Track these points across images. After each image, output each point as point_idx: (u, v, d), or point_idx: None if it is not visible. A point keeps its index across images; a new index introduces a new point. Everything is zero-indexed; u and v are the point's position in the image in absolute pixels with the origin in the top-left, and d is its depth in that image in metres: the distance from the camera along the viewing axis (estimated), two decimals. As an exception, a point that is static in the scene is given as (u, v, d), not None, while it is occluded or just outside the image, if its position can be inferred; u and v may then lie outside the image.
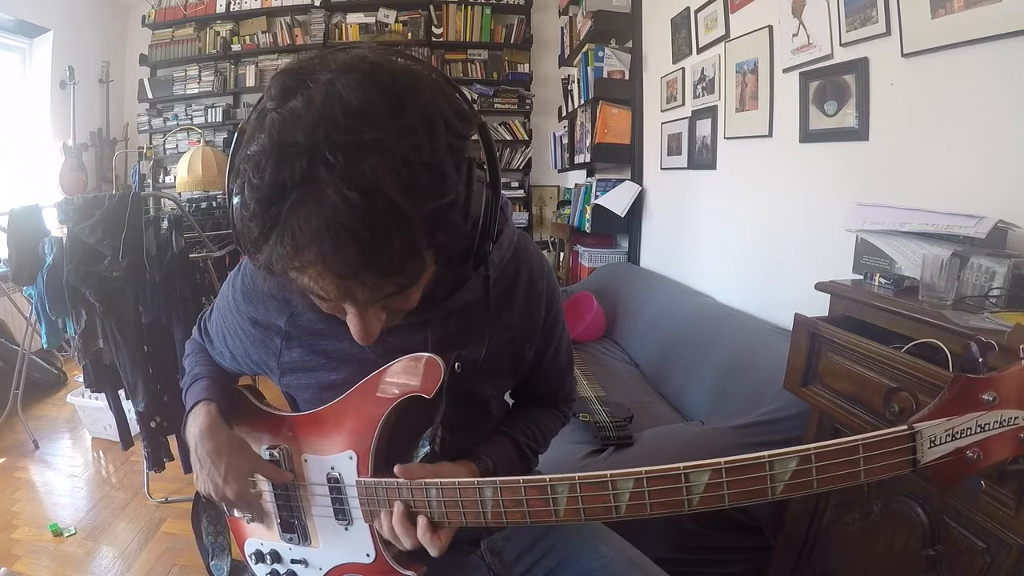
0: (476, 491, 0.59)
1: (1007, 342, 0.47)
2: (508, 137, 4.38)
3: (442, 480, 0.60)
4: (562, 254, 3.65)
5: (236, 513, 0.79)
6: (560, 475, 0.55)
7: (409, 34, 4.22)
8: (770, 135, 1.77)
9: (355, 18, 4.24)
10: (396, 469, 0.61)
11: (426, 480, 0.61)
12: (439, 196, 0.45)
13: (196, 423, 0.72)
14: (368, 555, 0.69)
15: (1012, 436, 0.45)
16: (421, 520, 0.61)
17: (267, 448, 0.72)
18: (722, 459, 0.48)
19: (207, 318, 0.84)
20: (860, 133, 1.38)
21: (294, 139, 0.42)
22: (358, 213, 0.42)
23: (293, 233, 0.43)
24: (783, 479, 0.47)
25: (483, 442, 0.76)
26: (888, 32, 1.26)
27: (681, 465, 0.50)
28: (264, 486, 0.74)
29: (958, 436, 0.45)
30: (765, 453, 0.47)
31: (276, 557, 0.77)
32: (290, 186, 0.42)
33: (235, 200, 0.47)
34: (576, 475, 0.54)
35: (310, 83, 0.44)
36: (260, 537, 0.78)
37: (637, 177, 2.88)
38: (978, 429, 0.45)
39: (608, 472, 0.53)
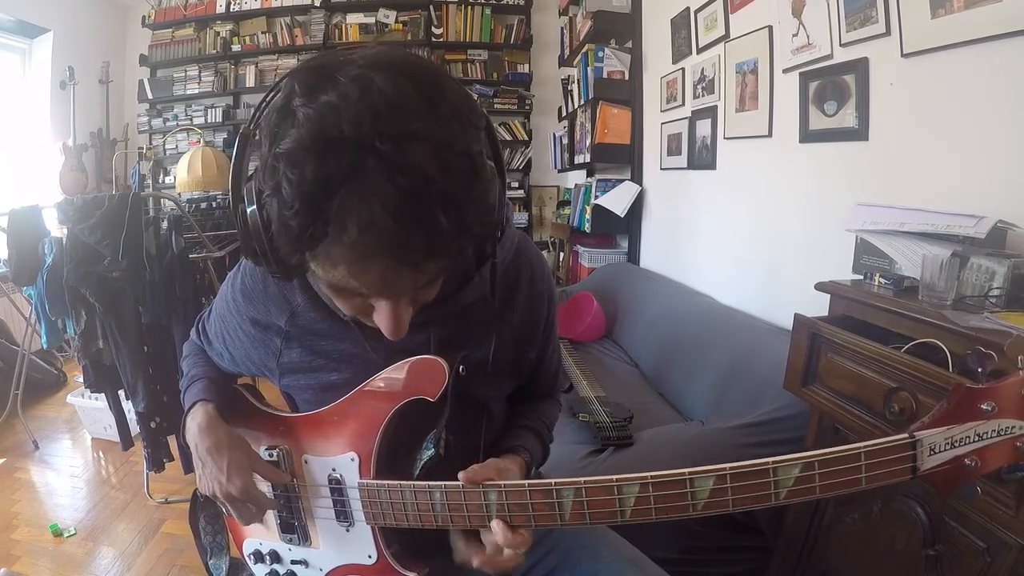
0: (481, 495, 0.59)
1: (1007, 352, 0.48)
2: (508, 137, 4.38)
3: (446, 484, 0.60)
4: (562, 254, 3.65)
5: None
6: (565, 479, 0.55)
7: (409, 34, 4.22)
8: (770, 135, 1.77)
9: (355, 18, 4.24)
10: (462, 476, 0.60)
11: (429, 483, 0.61)
12: (476, 182, 0.46)
13: (194, 423, 0.72)
14: (370, 556, 0.69)
15: (1009, 444, 0.46)
16: (498, 524, 0.59)
17: (266, 448, 0.72)
18: (727, 465, 0.49)
19: (205, 319, 0.83)
20: (860, 133, 1.38)
21: (339, 131, 0.41)
22: (414, 201, 0.42)
23: (349, 226, 0.42)
24: (786, 485, 0.48)
25: (513, 435, 0.77)
26: (888, 32, 1.27)
27: (686, 471, 0.50)
28: (264, 486, 0.74)
29: (957, 444, 0.46)
30: (769, 460, 0.48)
31: (276, 557, 0.77)
32: (337, 180, 0.42)
33: (267, 202, 0.45)
34: (582, 479, 0.54)
35: (340, 77, 0.44)
36: (259, 537, 0.78)
37: (637, 177, 2.88)
38: (976, 438, 0.46)
39: (614, 477, 0.53)
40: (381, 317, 0.53)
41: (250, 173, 0.50)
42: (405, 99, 0.43)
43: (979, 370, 0.47)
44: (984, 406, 0.45)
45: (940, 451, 0.46)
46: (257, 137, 0.49)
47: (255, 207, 0.47)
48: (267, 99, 0.49)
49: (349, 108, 0.42)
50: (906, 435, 0.47)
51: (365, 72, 0.44)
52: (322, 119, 0.42)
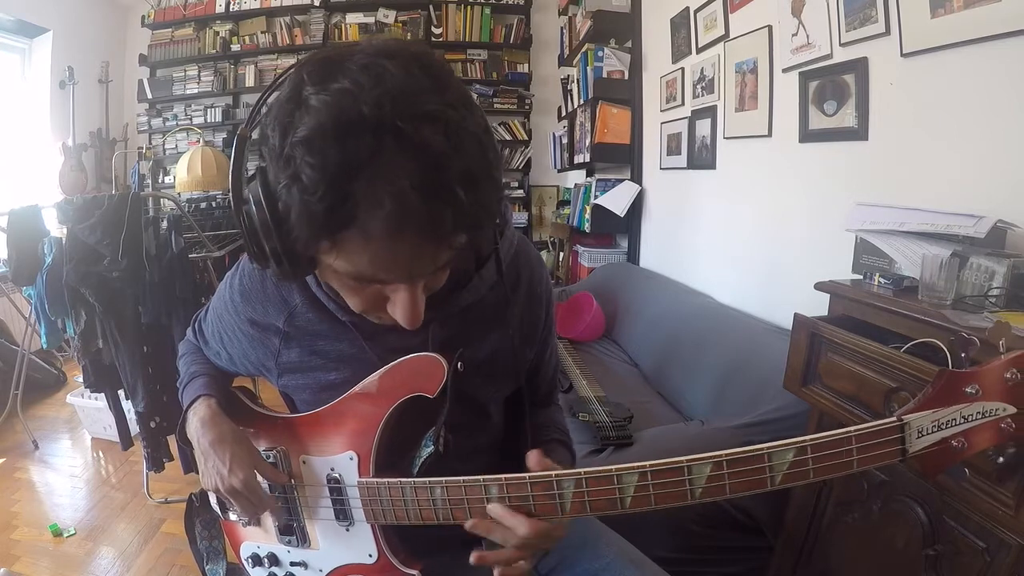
0: (482, 488, 0.58)
1: (988, 337, 0.49)
2: (508, 137, 4.38)
3: (447, 479, 0.60)
4: (562, 254, 3.65)
5: (233, 517, 0.78)
6: (565, 471, 0.56)
7: (409, 34, 4.22)
8: (770, 135, 1.77)
9: (354, 18, 4.24)
10: (532, 460, 0.59)
11: (429, 480, 0.61)
12: (485, 162, 0.48)
13: (197, 417, 0.71)
14: (370, 555, 0.69)
15: (993, 426, 0.48)
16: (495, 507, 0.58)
17: (264, 450, 0.72)
18: (723, 452, 0.50)
19: (202, 319, 0.83)
20: (860, 133, 1.38)
21: (358, 114, 0.42)
22: (436, 178, 0.44)
23: (384, 202, 0.43)
24: (781, 470, 0.49)
25: (549, 451, 0.75)
26: (888, 32, 1.27)
27: (684, 459, 0.51)
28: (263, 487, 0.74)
29: (944, 427, 0.48)
30: (764, 445, 0.50)
31: (274, 560, 0.76)
32: (360, 161, 0.42)
33: (283, 193, 0.45)
34: (581, 470, 0.55)
35: (349, 66, 0.45)
36: (257, 540, 0.77)
37: (637, 177, 2.88)
38: (962, 420, 0.48)
39: (613, 466, 0.53)
40: (399, 305, 0.53)
41: (251, 173, 0.49)
42: (417, 84, 0.45)
43: (963, 355, 0.49)
44: (968, 389, 0.47)
45: (927, 434, 0.48)
46: (258, 135, 0.48)
47: (263, 203, 0.47)
48: (265, 97, 0.49)
49: (365, 92, 0.43)
50: (894, 418, 0.48)
51: (375, 60, 0.45)
52: (340, 104, 0.43)
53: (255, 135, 0.50)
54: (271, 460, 0.71)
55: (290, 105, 0.45)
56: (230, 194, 0.52)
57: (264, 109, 0.49)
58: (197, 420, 0.71)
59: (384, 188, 0.43)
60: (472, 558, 0.61)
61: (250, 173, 0.50)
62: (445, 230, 0.46)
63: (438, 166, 0.44)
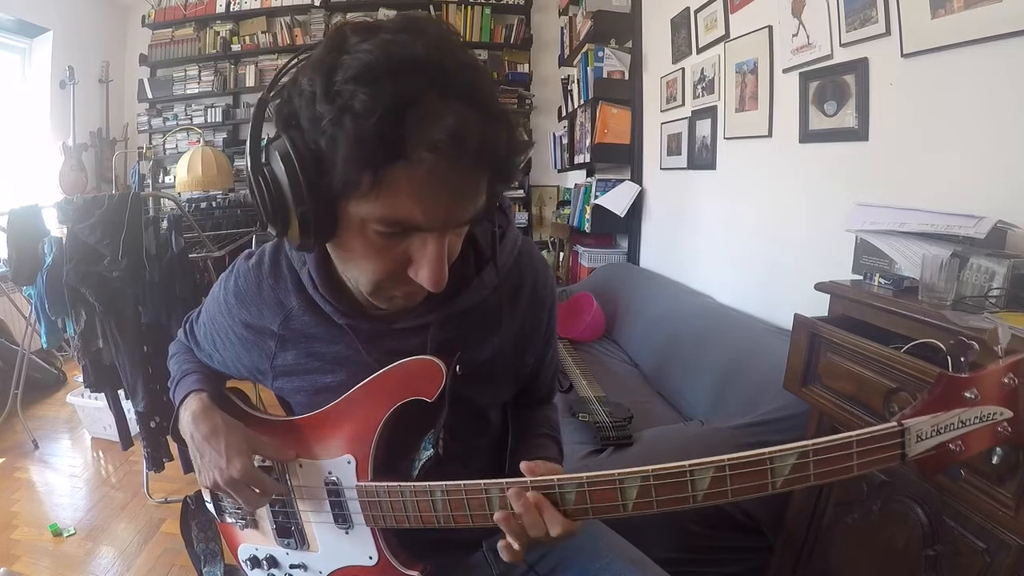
0: (482, 491, 0.58)
1: (988, 341, 0.50)
2: (508, 137, 4.37)
3: (447, 483, 0.60)
4: (562, 254, 3.65)
5: (230, 520, 0.78)
6: (567, 475, 0.56)
7: (409, 34, 4.23)
8: (770, 135, 1.77)
9: (355, 18, 4.24)
10: (523, 467, 0.59)
11: (429, 484, 0.61)
12: (514, 115, 0.53)
13: (188, 412, 0.70)
14: (371, 557, 0.69)
15: (990, 430, 0.48)
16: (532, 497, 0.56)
17: None
18: (725, 456, 0.50)
19: (194, 320, 0.82)
20: (860, 133, 1.38)
21: (410, 56, 0.46)
22: (489, 112, 0.49)
23: (442, 120, 0.46)
24: (783, 474, 0.49)
25: (540, 446, 0.77)
26: (888, 32, 1.26)
27: (687, 463, 0.51)
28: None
29: (942, 431, 0.48)
30: (766, 450, 0.50)
31: (273, 562, 0.76)
32: (413, 95, 0.45)
33: (327, 128, 0.46)
34: (584, 475, 0.54)
35: (389, 26, 0.49)
36: (255, 542, 0.77)
37: (637, 177, 2.88)
38: (960, 424, 0.48)
39: (616, 472, 0.53)
40: (425, 263, 0.52)
41: (272, 136, 0.51)
42: (453, 40, 0.50)
43: (961, 359, 0.49)
44: (967, 394, 0.47)
45: (927, 438, 0.48)
46: (283, 97, 0.51)
47: (294, 150, 0.48)
48: (290, 65, 0.52)
49: (410, 41, 0.47)
50: (895, 423, 0.48)
51: (411, 23, 0.49)
52: (390, 48, 0.46)
53: (295, 86, 0.51)
54: (267, 465, 0.70)
55: (332, 55, 0.47)
56: (247, 160, 0.52)
57: (303, 64, 0.51)
58: (189, 415, 0.70)
59: (438, 116, 0.46)
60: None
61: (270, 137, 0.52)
62: (499, 154, 0.50)
63: (485, 107, 0.48)
